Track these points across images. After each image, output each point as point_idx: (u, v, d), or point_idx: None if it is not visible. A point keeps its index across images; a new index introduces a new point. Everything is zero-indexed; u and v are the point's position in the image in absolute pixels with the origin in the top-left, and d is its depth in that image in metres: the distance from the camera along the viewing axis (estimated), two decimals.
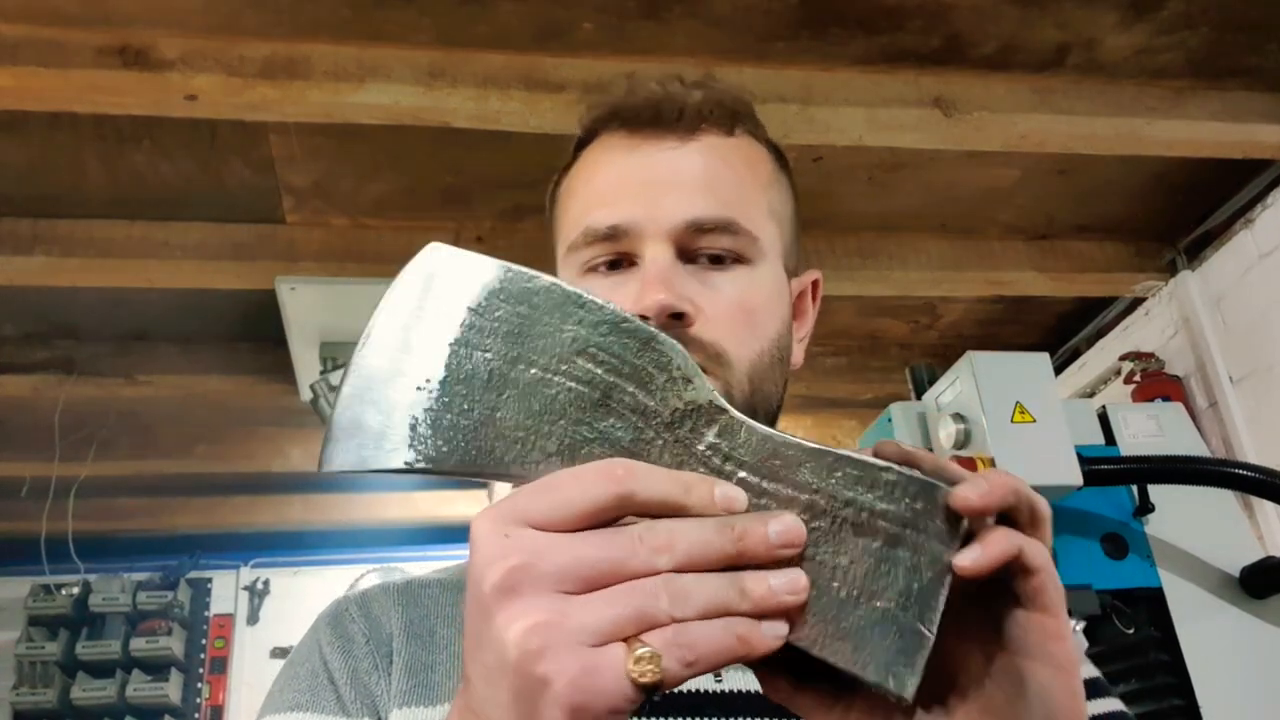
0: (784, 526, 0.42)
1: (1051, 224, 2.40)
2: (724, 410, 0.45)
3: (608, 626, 0.39)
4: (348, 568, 3.73)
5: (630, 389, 0.44)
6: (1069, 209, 2.35)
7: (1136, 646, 1.87)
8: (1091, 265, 2.45)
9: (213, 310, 2.47)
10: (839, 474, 0.44)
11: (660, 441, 0.44)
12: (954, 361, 1.94)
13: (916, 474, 0.44)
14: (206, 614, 3.70)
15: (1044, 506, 0.46)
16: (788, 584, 0.41)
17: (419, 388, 0.44)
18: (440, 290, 0.45)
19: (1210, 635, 1.89)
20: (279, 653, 3.49)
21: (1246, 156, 2.07)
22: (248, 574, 3.77)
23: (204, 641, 3.64)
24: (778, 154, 0.78)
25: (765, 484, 0.44)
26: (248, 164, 2.02)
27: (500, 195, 2.14)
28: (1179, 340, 2.38)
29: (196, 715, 3.52)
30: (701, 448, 0.44)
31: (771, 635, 0.41)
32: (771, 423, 0.71)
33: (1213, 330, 2.28)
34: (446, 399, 0.44)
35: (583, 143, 0.77)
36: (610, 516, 0.41)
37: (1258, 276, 2.18)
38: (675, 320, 0.65)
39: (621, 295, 0.68)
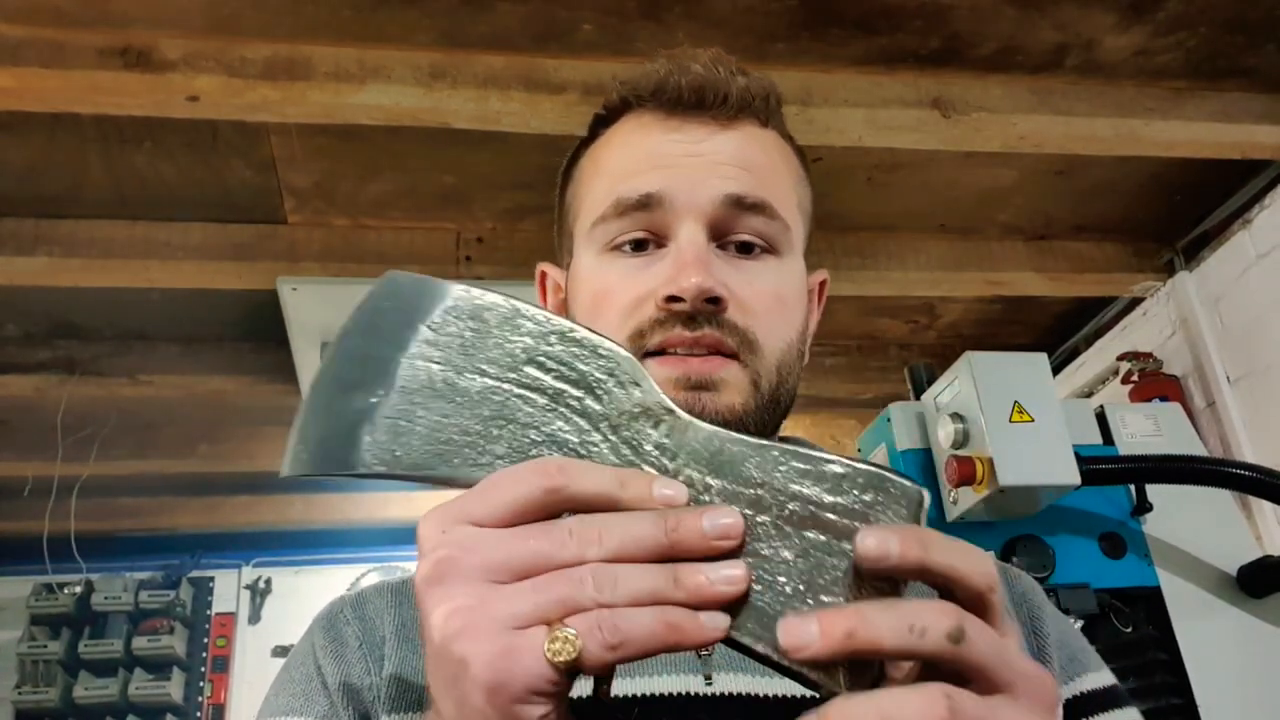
0: (719, 518, 0.42)
1: (1050, 224, 2.41)
2: (671, 410, 0.46)
3: (528, 609, 0.40)
4: (349, 567, 3.74)
5: (577, 394, 0.46)
6: (1067, 209, 2.36)
7: (1134, 645, 1.87)
8: (1090, 265, 2.45)
9: (214, 310, 2.48)
10: (783, 468, 0.44)
11: (608, 443, 0.46)
12: (953, 361, 1.94)
13: (866, 465, 0.43)
14: (208, 613, 3.70)
15: (978, 588, 0.41)
16: (724, 576, 0.41)
17: (374, 399, 0.47)
18: (398, 310, 0.48)
19: (1208, 634, 1.89)
20: (280, 651, 3.49)
21: (1244, 157, 2.08)
22: (249, 573, 3.78)
23: (206, 640, 3.65)
24: (801, 152, 0.77)
25: (711, 480, 0.45)
26: (249, 164, 2.02)
27: (500, 195, 2.15)
28: (1177, 340, 2.38)
29: (198, 714, 3.52)
30: (649, 448, 0.45)
31: (711, 627, 0.41)
32: (784, 417, 0.70)
33: (1210, 330, 2.29)
34: (402, 407, 0.47)
35: (606, 119, 0.75)
36: (545, 513, 0.42)
37: (1255, 277, 2.18)
38: (710, 304, 0.64)
39: (650, 276, 0.66)
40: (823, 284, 0.80)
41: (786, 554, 0.42)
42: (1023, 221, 2.39)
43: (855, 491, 0.43)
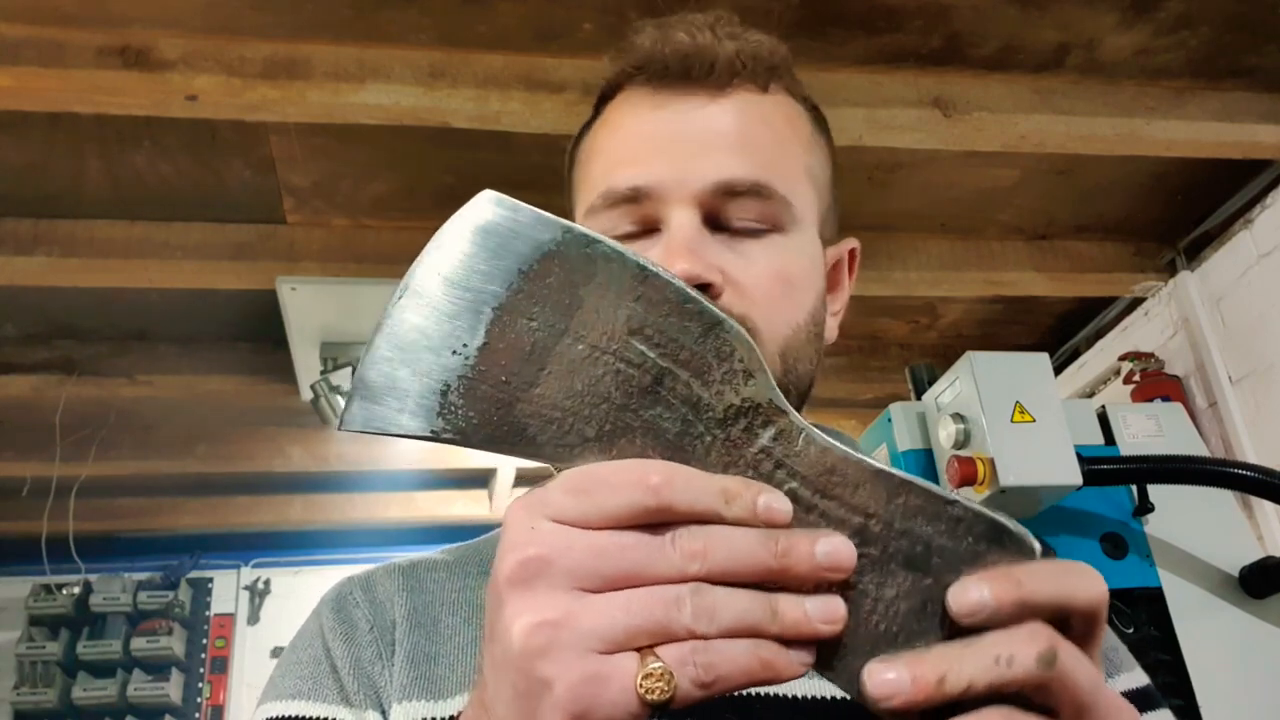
0: (833, 548, 0.38)
1: (1051, 224, 2.41)
2: (784, 412, 0.41)
3: (620, 634, 0.37)
4: (348, 567, 3.69)
5: (685, 377, 0.41)
6: (1069, 209, 2.35)
7: (1136, 646, 1.85)
8: (1091, 265, 2.45)
9: (213, 310, 2.47)
10: (900, 500, 0.40)
11: (709, 438, 0.41)
12: (954, 361, 1.94)
13: (985, 511, 0.39)
14: (207, 614, 3.70)
15: (1088, 609, 0.39)
16: (824, 611, 0.38)
17: (455, 352, 0.41)
18: (491, 247, 0.41)
19: (1210, 635, 1.89)
20: (280, 652, 3.48)
21: (1246, 157, 2.07)
22: (248, 574, 3.78)
23: (205, 641, 3.64)
24: (815, 113, 0.72)
25: (816, 499, 0.40)
26: (248, 164, 2.02)
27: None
28: (1178, 340, 2.38)
29: (197, 715, 3.52)
30: (753, 451, 0.41)
31: (800, 663, 0.38)
32: (802, 401, 0.67)
33: (1212, 330, 2.28)
34: (484, 367, 0.41)
35: (605, 97, 0.71)
36: (642, 522, 0.38)
37: (1257, 276, 2.18)
38: (700, 291, 0.61)
39: None
40: (852, 252, 0.75)
41: (887, 592, 0.39)
42: (1024, 221, 2.39)
43: (970, 539, 0.39)
